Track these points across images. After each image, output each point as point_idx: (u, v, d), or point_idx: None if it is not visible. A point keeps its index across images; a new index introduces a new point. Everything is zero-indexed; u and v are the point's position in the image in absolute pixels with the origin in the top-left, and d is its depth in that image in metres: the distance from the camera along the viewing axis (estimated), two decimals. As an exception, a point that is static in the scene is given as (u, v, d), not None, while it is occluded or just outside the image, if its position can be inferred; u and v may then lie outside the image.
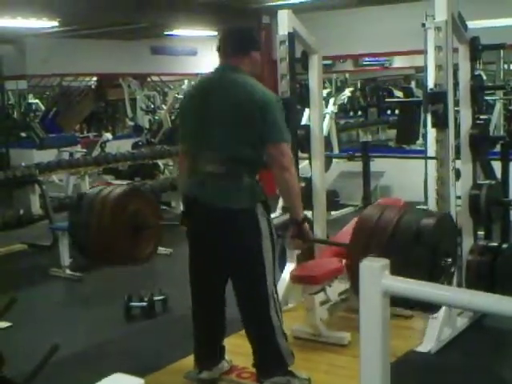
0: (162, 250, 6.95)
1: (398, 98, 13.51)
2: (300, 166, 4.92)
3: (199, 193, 3.49)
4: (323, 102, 7.33)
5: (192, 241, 3.63)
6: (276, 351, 3.48)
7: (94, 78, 16.21)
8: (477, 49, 4.61)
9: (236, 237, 3.44)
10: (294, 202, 3.57)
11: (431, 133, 6.22)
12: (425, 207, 7.47)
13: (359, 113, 16.21)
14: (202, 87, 3.81)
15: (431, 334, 4.18)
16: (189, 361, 3.87)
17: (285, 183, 3.47)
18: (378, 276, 1.69)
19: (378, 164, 7.78)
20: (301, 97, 4.93)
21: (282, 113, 3.48)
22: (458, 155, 4.46)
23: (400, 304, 2.90)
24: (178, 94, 13.45)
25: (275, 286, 3.54)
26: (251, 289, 3.51)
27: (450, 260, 3.21)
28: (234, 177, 3.40)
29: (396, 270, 1.75)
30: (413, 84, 15.32)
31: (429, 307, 3.23)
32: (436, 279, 3.06)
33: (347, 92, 13.01)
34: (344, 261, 4.32)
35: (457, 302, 1.72)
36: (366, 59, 15.33)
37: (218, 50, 3.65)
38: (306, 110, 6.71)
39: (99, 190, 4.20)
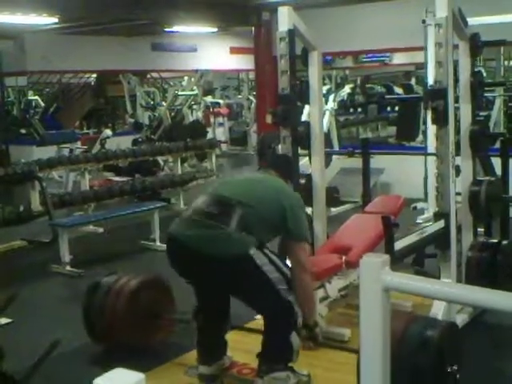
0: (162, 246, 6.96)
1: (398, 94, 13.51)
2: (300, 163, 4.92)
3: (186, 233, 3.46)
4: (323, 99, 7.33)
5: (182, 276, 3.61)
6: (287, 349, 3.46)
7: (94, 75, 16.22)
8: (477, 45, 4.61)
9: (235, 278, 3.42)
10: (308, 304, 3.63)
11: (431, 129, 6.25)
12: (424, 204, 7.50)
13: (359, 109, 16.20)
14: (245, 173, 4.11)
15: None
16: (190, 356, 3.88)
17: (302, 284, 3.53)
18: (378, 272, 1.70)
19: (377, 161, 7.77)
20: (301, 93, 4.92)
21: (304, 212, 3.74)
22: (457, 152, 4.46)
23: None
24: (177, 90, 13.47)
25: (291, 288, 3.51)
26: (269, 307, 3.47)
27: (455, 367, 3.25)
28: (224, 220, 3.38)
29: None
30: (413, 81, 15.32)
31: None
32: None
33: (347, 88, 13.00)
34: (343, 257, 4.34)
35: (457, 298, 1.73)
36: (366, 56, 15.33)
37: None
38: (306, 107, 6.70)
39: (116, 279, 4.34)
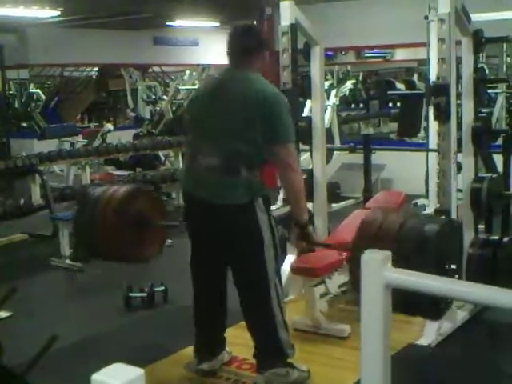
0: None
1: (400, 90, 13.49)
2: (301, 158, 4.91)
3: (196, 189, 3.49)
4: (325, 94, 7.31)
5: (192, 236, 3.64)
6: (276, 344, 3.47)
7: (96, 68, 16.20)
8: (480, 42, 4.59)
9: (235, 232, 3.43)
10: (299, 203, 3.59)
11: (433, 125, 6.24)
12: (425, 200, 7.49)
13: (361, 105, 16.17)
14: (210, 85, 3.84)
15: (431, 328, 4.17)
16: (189, 351, 3.88)
17: (291, 183, 3.49)
18: (379, 268, 1.69)
19: (379, 156, 7.77)
20: (302, 88, 4.91)
21: (289, 113, 3.47)
22: (459, 148, 4.45)
23: (400, 310, 2.89)
24: (179, 84, 13.44)
25: (279, 280, 3.52)
26: (251, 282, 3.50)
27: (454, 266, 3.21)
28: (232, 171, 3.37)
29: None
30: (415, 77, 15.29)
31: (430, 313, 3.22)
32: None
33: (349, 84, 12.98)
34: (344, 254, 4.33)
35: (458, 295, 1.72)
36: (368, 51, 15.31)
37: (228, 52, 3.56)
38: (308, 102, 6.69)
39: (104, 188, 4.23)
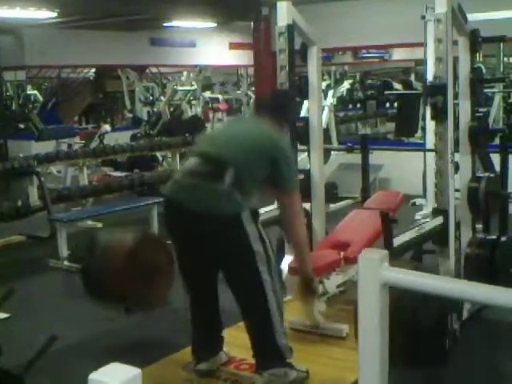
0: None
1: (398, 90, 13.50)
2: (299, 159, 4.91)
3: (181, 195, 3.46)
4: (322, 94, 7.32)
5: (176, 244, 3.63)
6: (274, 347, 3.47)
7: (93, 70, 16.19)
8: (477, 41, 4.59)
9: (222, 247, 3.41)
10: (302, 254, 3.70)
11: (430, 125, 6.24)
12: (423, 200, 7.50)
13: (358, 105, 16.19)
14: (232, 120, 4.05)
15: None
16: (187, 352, 3.88)
17: (295, 233, 3.62)
18: (376, 267, 1.69)
19: (376, 156, 7.76)
20: (300, 89, 4.91)
21: (294, 166, 3.74)
22: (456, 148, 4.46)
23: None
24: (176, 85, 13.44)
25: (278, 283, 3.50)
26: (246, 289, 3.47)
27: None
28: (218, 178, 3.36)
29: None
30: (412, 77, 15.30)
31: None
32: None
33: (346, 84, 12.99)
34: (342, 253, 4.33)
35: (455, 293, 1.72)
36: (365, 51, 15.32)
37: (259, 103, 4.02)
38: (305, 102, 6.68)
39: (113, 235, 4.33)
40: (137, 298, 4.11)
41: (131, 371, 1.39)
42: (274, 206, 4.42)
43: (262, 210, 3.85)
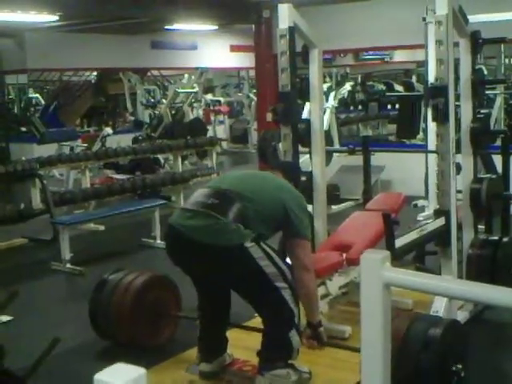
0: (162, 244, 6.95)
1: (399, 92, 13.51)
2: (300, 161, 4.92)
3: (184, 223, 3.44)
4: (324, 96, 7.33)
5: (181, 268, 3.61)
6: (287, 345, 3.46)
7: (95, 73, 16.21)
8: (478, 43, 4.60)
9: (226, 271, 3.42)
10: (311, 306, 3.71)
11: (432, 127, 6.24)
12: (425, 202, 7.50)
13: (359, 107, 16.19)
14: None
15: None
16: (191, 353, 3.89)
17: (305, 284, 3.59)
18: (378, 268, 1.70)
19: (378, 158, 7.78)
20: (301, 91, 4.93)
21: (308, 216, 3.75)
22: (458, 149, 4.46)
23: None
24: (178, 88, 13.46)
25: (292, 286, 3.47)
26: (263, 301, 3.47)
27: (460, 366, 3.24)
28: (223, 211, 3.36)
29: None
30: (413, 78, 15.31)
31: None
32: None
33: (348, 86, 12.99)
34: (344, 255, 4.34)
35: (458, 294, 1.73)
36: (367, 53, 15.33)
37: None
38: (307, 104, 6.70)
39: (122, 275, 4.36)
40: (141, 339, 4.17)
41: (136, 371, 1.40)
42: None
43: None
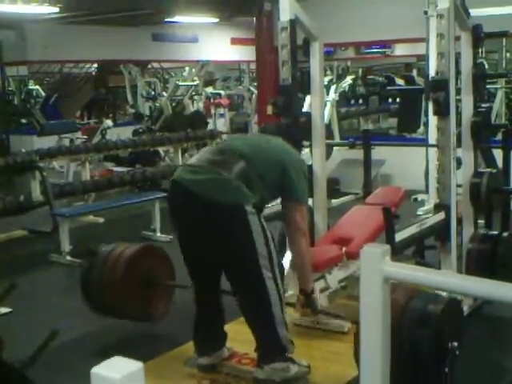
0: (162, 236, 6.97)
1: (400, 85, 13.49)
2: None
3: (188, 177, 3.44)
4: (324, 90, 7.31)
5: (178, 228, 3.59)
6: (275, 340, 3.46)
7: (95, 65, 16.19)
8: (479, 36, 4.59)
9: (222, 230, 3.38)
10: (304, 272, 3.72)
11: (432, 121, 6.23)
12: (425, 196, 7.50)
13: (360, 101, 16.17)
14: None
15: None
16: (189, 347, 3.88)
17: (300, 249, 3.61)
18: (378, 262, 1.69)
19: (378, 152, 7.76)
20: (302, 84, 4.91)
21: (307, 179, 3.71)
22: (459, 143, 4.45)
23: None
24: (178, 80, 13.44)
25: (280, 276, 3.48)
26: (246, 282, 3.46)
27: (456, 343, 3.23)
28: (226, 167, 3.38)
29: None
30: (414, 72, 15.29)
31: None
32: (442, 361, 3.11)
33: (348, 80, 12.98)
34: (344, 248, 4.33)
35: (457, 288, 1.73)
36: (368, 47, 15.30)
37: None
38: (307, 98, 6.69)
39: (113, 247, 4.34)
40: (136, 311, 4.15)
41: (134, 365, 1.40)
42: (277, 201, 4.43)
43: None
